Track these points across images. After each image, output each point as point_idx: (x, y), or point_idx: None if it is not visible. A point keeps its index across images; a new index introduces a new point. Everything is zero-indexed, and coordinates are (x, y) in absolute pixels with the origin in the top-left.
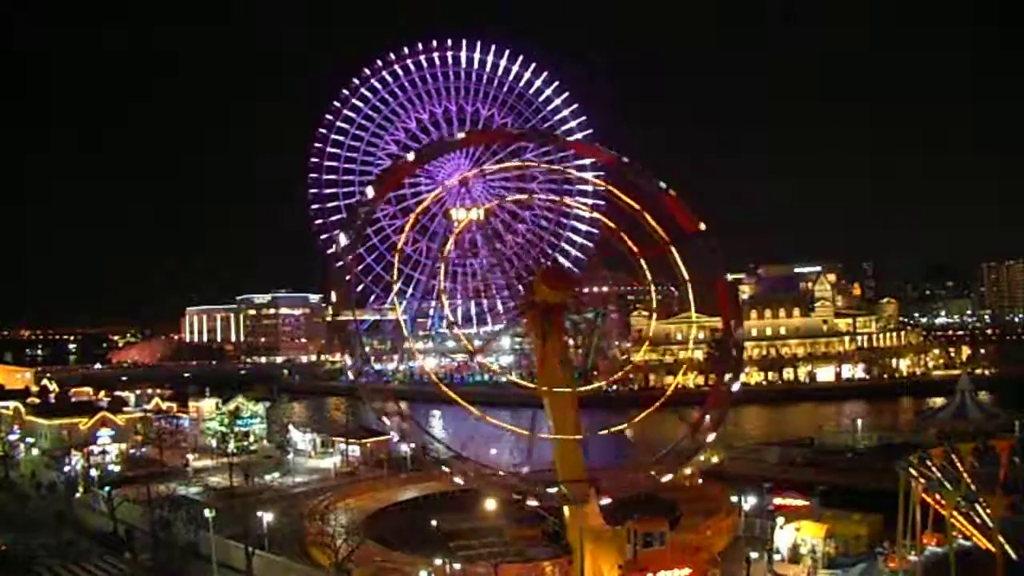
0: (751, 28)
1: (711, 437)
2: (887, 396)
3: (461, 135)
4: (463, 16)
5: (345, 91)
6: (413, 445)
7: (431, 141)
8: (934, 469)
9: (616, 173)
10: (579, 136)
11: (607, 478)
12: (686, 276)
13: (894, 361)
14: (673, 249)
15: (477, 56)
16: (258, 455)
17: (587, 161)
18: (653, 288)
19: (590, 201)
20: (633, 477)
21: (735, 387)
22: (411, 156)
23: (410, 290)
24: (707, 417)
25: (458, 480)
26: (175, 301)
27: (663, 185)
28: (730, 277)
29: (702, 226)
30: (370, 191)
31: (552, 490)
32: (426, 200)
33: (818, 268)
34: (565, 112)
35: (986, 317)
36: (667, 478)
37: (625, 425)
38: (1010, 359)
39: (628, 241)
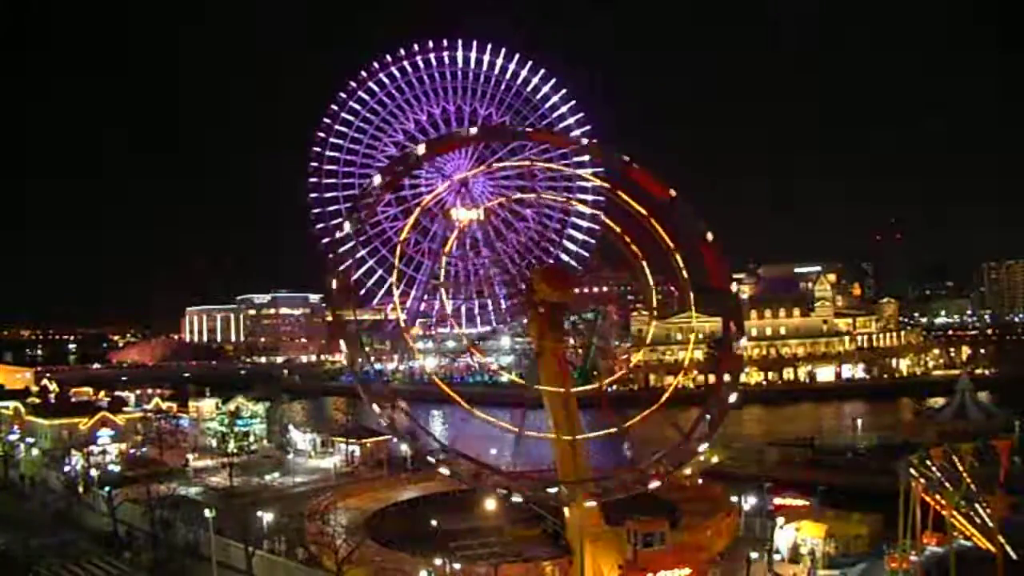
0: (751, 28)
1: (703, 447)
2: (887, 396)
3: (473, 130)
4: (462, 16)
5: (343, 93)
6: (411, 444)
7: (447, 133)
8: (934, 469)
9: (665, 209)
10: (578, 133)
11: (603, 479)
12: (688, 281)
13: (894, 361)
14: (678, 255)
15: (474, 56)
16: (258, 455)
17: (586, 158)
18: (654, 291)
19: (590, 198)
20: (626, 479)
21: (732, 398)
22: (421, 148)
23: (412, 291)
24: (702, 423)
25: (457, 478)
26: (175, 301)
27: (708, 232)
28: (735, 287)
29: (672, 192)
30: (377, 179)
31: (552, 490)
32: (426, 199)
33: (818, 268)
34: (563, 109)
35: (986, 317)
36: (654, 484)
37: (615, 429)
38: (1010, 359)
39: (632, 245)
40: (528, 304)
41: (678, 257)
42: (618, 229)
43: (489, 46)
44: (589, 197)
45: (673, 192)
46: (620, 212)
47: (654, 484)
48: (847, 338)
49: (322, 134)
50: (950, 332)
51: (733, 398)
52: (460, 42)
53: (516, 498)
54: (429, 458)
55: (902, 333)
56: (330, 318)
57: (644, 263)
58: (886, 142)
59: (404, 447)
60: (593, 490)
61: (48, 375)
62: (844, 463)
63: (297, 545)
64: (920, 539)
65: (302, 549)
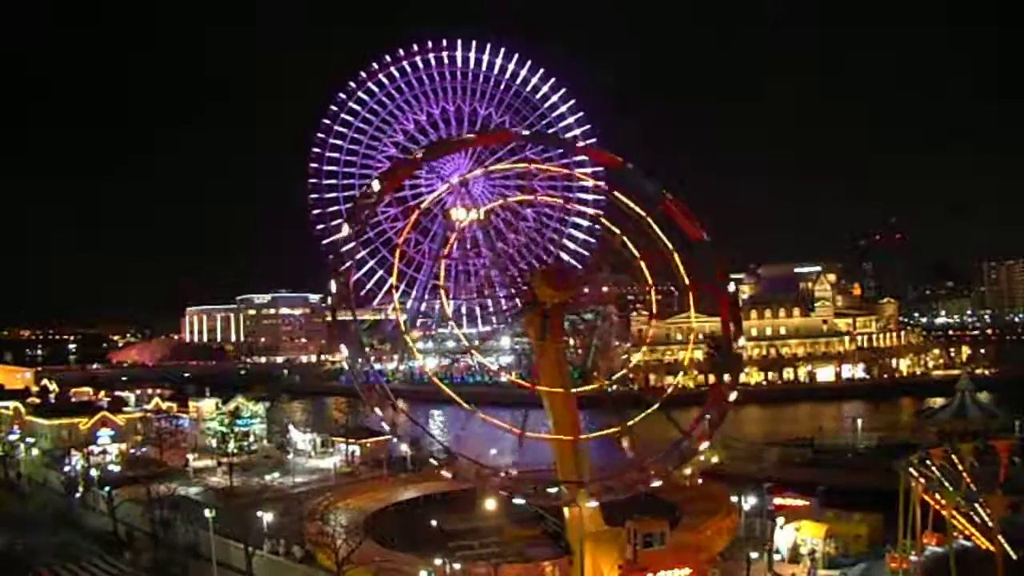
0: (751, 28)
1: (704, 445)
2: (887, 396)
3: (471, 136)
4: (461, 16)
5: (343, 94)
6: (411, 444)
7: (440, 138)
8: (934, 469)
9: (620, 177)
10: (578, 133)
11: (604, 479)
12: (688, 282)
13: (894, 361)
14: (676, 256)
15: (473, 55)
16: (258, 455)
17: (584, 158)
18: (654, 291)
19: (591, 197)
20: (627, 478)
21: (731, 397)
22: (420, 152)
23: (413, 292)
24: (702, 422)
25: (458, 479)
26: (175, 301)
27: (665, 192)
28: (732, 288)
29: (706, 236)
30: (376, 185)
31: (552, 490)
32: (426, 200)
33: (818, 268)
34: (563, 109)
35: (986, 317)
36: (656, 484)
37: (617, 429)
38: (1010, 359)
39: (631, 246)
40: (528, 305)
41: (677, 259)
42: (617, 231)
43: (488, 46)
44: (589, 196)
45: (706, 236)
46: (619, 213)
47: (655, 484)
48: (847, 338)
49: (322, 134)
50: (950, 332)
51: (733, 396)
52: (460, 42)
53: (518, 500)
54: (432, 461)
55: (902, 333)
56: (330, 318)
57: (643, 264)
58: (886, 142)
59: (404, 447)
60: (593, 490)
61: (48, 375)
62: (844, 463)
63: (293, 543)
64: (920, 539)
65: (298, 547)
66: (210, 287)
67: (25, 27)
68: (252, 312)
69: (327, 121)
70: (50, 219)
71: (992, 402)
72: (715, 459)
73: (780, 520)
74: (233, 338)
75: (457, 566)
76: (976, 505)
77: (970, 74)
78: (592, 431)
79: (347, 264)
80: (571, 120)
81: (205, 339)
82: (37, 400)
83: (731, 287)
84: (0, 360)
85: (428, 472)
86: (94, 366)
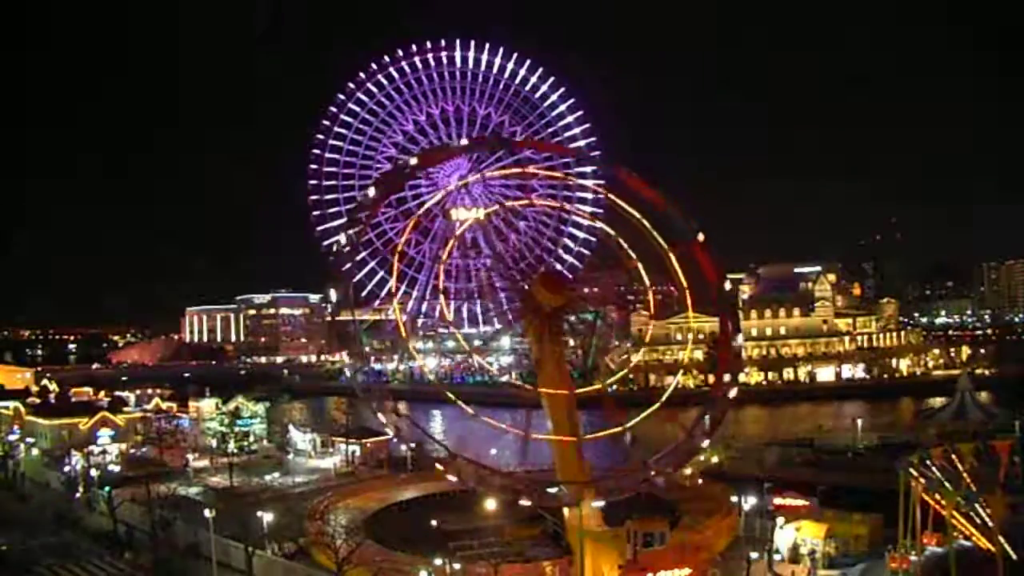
0: (751, 28)
1: (706, 442)
2: (887, 396)
3: (464, 141)
4: (462, 16)
5: (343, 94)
6: (411, 445)
7: (434, 145)
8: (934, 469)
9: (580, 163)
10: (577, 132)
11: (604, 479)
12: (684, 283)
13: (894, 361)
14: (672, 256)
15: (473, 55)
16: (258, 455)
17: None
18: (651, 291)
19: (590, 196)
20: (631, 478)
21: (732, 393)
22: (413, 160)
23: (414, 292)
24: (704, 420)
25: (460, 480)
26: (175, 301)
27: (618, 167)
28: (728, 285)
29: (667, 205)
30: (372, 191)
31: (552, 490)
32: (427, 203)
33: (818, 268)
34: (562, 108)
35: (986, 317)
36: (660, 481)
37: (620, 428)
38: (1010, 359)
39: (627, 248)
40: (527, 309)
41: (673, 259)
42: (612, 232)
43: (488, 46)
44: (589, 196)
45: (663, 198)
46: (616, 215)
47: (658, 481)
48: (847, 338)
49: (321, 135)
50: (950, 332)
51: (733, 393)
52: (459, 42)
53: (524, 501)
54: (437, 466)
55: (902, 333)
56: (329, 318)
57: (640, 265)
58: (886, 142)
59: (404, 447)
60: (595, 490)
61: (48, 375)
62: (844, 463)
63: (288, 540)
64: (920, 539)
65: (292, 543)
66: (210, 287)
67: (25, 26)
68: (252, 312)
69: (327, 121)
70: (50, 219)
71: (992, 402)
72: (715, 459)
73: (780, 520)
74: (233, 338)
75: (457, 566)
76: (976, 505)
77: (970, 73)
78: (592, 432)
79: (348, 265)
80: (571, 119)
81: (205, 339)
82: (37, 400)
83: (727, 284)
84: (0, 360)
85: (428, 472)
86: (94, 366)
